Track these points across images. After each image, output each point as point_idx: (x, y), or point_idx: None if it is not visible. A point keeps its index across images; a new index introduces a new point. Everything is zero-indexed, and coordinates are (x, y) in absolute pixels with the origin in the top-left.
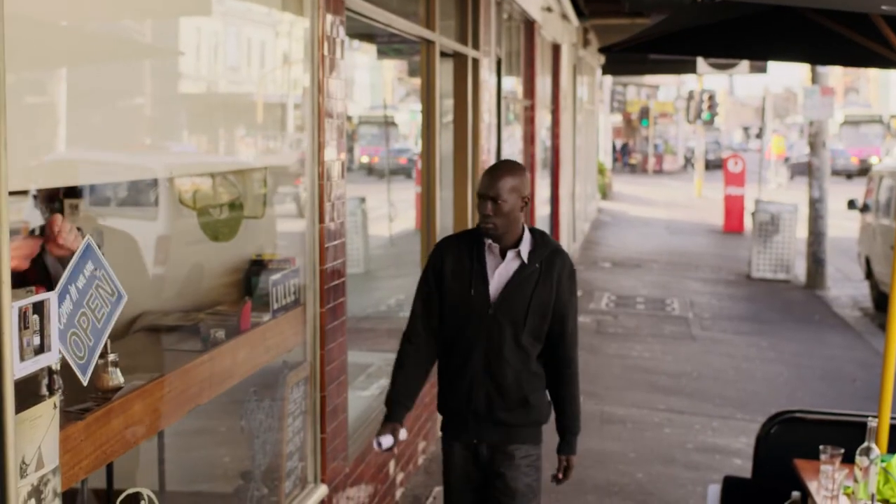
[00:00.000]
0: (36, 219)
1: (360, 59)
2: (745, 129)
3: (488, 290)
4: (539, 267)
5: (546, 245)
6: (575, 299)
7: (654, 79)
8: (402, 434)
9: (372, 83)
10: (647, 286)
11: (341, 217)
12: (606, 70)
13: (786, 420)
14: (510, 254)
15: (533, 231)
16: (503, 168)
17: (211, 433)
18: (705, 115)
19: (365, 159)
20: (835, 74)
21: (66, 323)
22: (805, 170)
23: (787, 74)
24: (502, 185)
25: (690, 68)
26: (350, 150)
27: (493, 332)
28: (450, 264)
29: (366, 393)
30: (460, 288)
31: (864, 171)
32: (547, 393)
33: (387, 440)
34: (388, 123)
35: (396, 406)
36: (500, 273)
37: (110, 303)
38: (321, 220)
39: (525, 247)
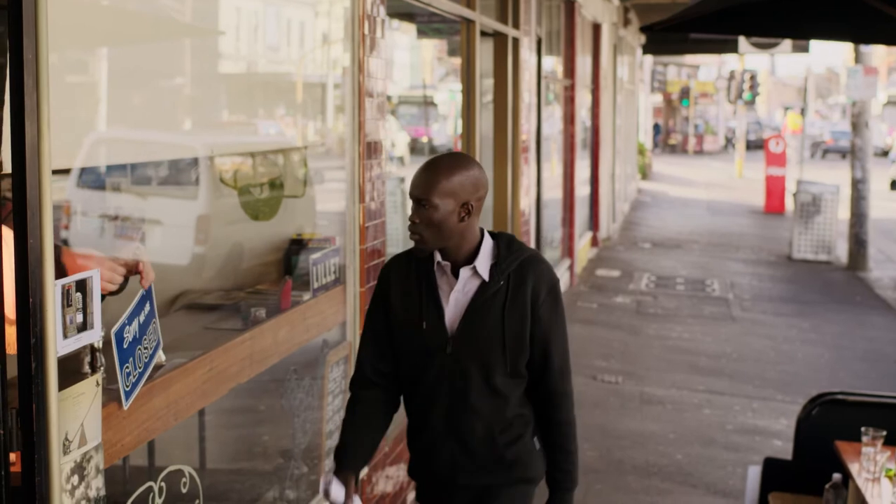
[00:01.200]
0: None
1: (399, 38)
2: (787, 110)
3: (444, 322)
4: (506, 283)
5: (513, 254)
6: (560, 318)
7: (695, 58)
8: (356, 501)
9: (411, 63)
10: (687, 267)
11: (381, 197)
12: (647, 50)
13: (827, 402)
14: (464, 272)
15: (497, 237)
16: (440, 164)
17: (251, 412)
18: (746, 95)
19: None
20: (878, 54)
21: (127, 350)
22: (834, 149)
23: (830, 54)
24: (433, 186)
25: (732, 48)
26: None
27: (454, 376)
28: (397, 291)
29: None
30: (410, 321)
31: None
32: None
33: (338, 491)
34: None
35: (348, 461)
36: (455, 298)
37: (153, 347)
38: (361, 200)
39: (483, 260)
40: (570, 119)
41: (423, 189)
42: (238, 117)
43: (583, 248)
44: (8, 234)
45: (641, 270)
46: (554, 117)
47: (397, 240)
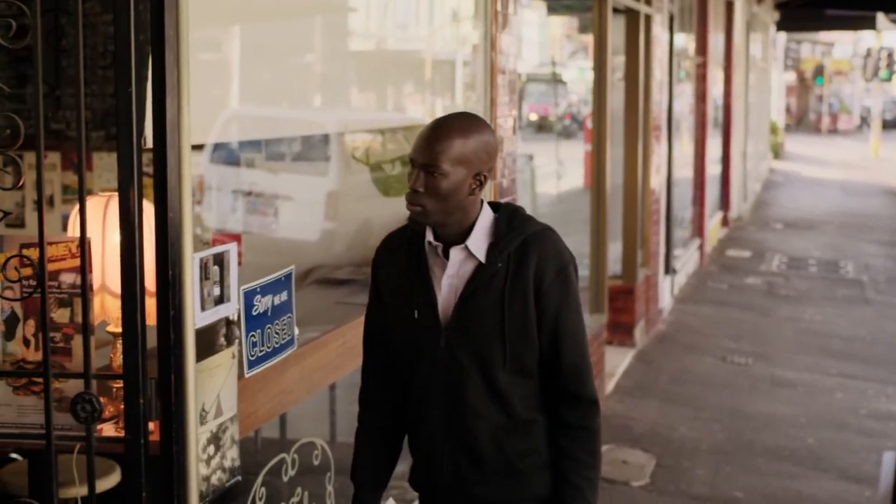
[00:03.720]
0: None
1: (529, 15)
2: None
3: (436, 311)
4: (505, 265)
5: (516, 230)
6: (572, 305)
7: (830, 35)
8: None
9: (540, 40)
10: (819, 248)
11: (512, 174)
12: (781, 26)
13: None
14: (456, 253)
15: (499, 209)
16: (454, 125)
17: None
18: (883, 73)
19: (533, 117)
20: None
21: (256, 320)
22: None
23: None
24: (446, 150)
25: (869, 24)
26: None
27: (451, 372)
28: (386, 276)
29: None
30: (401, 310)
31: None
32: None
33: None
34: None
35: (364, 489)
36: (449, 284)
37: (286, 338)
38: (493, 177)
39: (478, 238)
40: (701, 97)
41: (433, 153)
42: (368, 94)
43: (713, 227)
44: (148, 209)
45: (773, 251)
46: (685, 95)
47: None
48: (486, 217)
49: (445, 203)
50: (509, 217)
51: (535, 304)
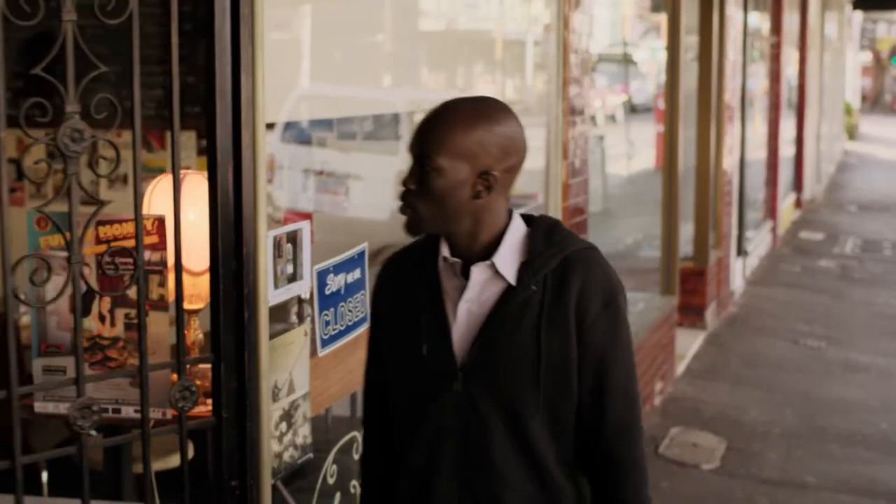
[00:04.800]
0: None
1: None
2: None
3: (450, 346)
4: (541, 290)
5: (554, 247)
6: (622, 344)
7: None
8: None
9: (611, 20)
10: (894, 231)
11: (584, 154)
12: (856, 5)
13: None
14: (478, 272)
15: (533, 223)
16: (458, 110)
17: None
18: None
19: None
20: None
21: (329, 299)
22: None
23: None
24: (442, 140)
25: None
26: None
27: (468, 423)
28: (389, 309)
29: None
30: (404, 346)
31: None
32: None
33: None
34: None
35: None
36: (468, 310)
37: (359, 316)
38: (565, 157)
39: (508, 255)
40: (775, 77)
41: (427, 142)
42: (438, 74)
43: (786, 209)
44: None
45: (847, 234)
46: (759, 75)
47: (596, 198)
48: (516, 230)
49: (441, 206)
50: (547, 231)
51: (576, 343)
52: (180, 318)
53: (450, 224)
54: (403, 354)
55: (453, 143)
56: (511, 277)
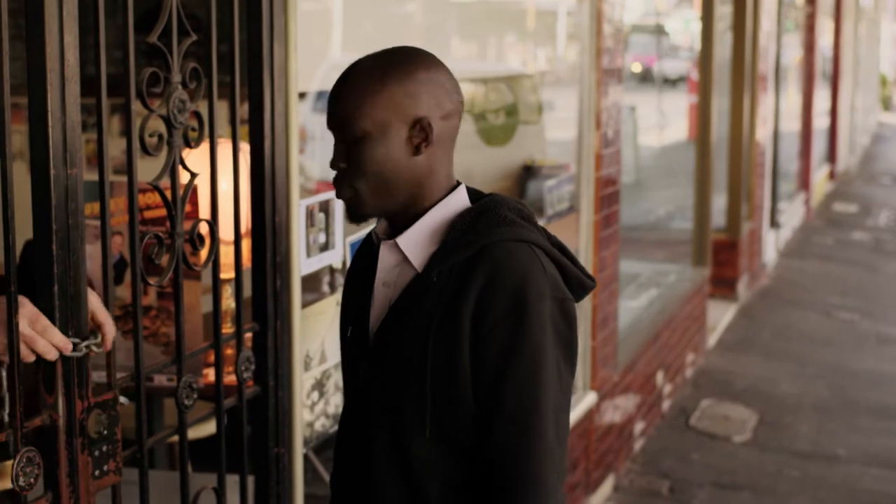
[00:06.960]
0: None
1: None
2: None
3: (367, 326)
4: (444, 282)
5: (473, 234)
6: (524, 361)
7: None
8: None
9: None
10: None
11: (616, 125)
12: None
13: None
14: (385, 251)
15: (475, 203)
16: (360, 65)
17: None
18: None
19: (636, 68)
20: None
21: None
22: None
23: None
24: (354, 102)
25: None
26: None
27: (360, 422)
28: (346, 280)
29: (634, 303)
30: (342, 325)
31: None
32: None
33: None
34: (660, 32)
35: None
36: (384, 294)
37: None
38: (597, 127)
39: (420, 234)
40: (809, 48)
41: (340, 111)
42: (469, 44)
43: (819, 181)
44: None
45: (880, 206)
46: (793, 46)
47: (628, 169)
48: (447, 207)
49: (380, 177)
50: (477, 214)
51: (470, 346)
52: (239, 288)
53: (394, 197)
54: (341, 335)
55: (370, 102)
56: (417, 262)
